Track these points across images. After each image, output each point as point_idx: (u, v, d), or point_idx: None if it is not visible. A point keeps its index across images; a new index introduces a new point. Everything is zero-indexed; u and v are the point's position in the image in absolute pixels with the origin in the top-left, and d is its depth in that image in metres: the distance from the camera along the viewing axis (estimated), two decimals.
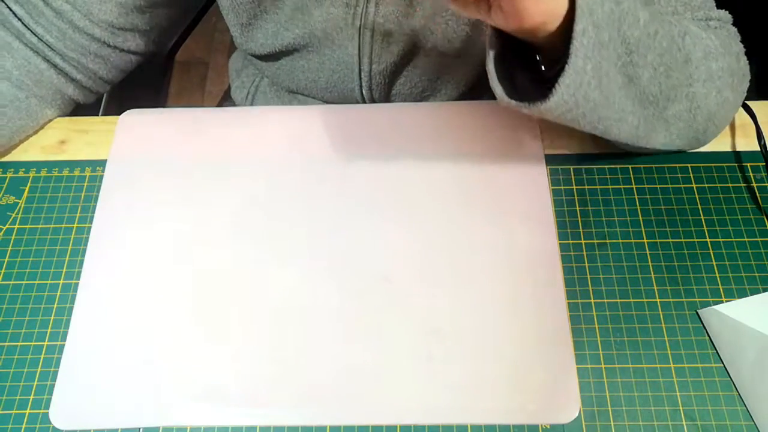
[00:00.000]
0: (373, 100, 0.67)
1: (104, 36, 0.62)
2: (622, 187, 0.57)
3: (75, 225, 0.58)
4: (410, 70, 0.65)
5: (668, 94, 0.49)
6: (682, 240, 0.55)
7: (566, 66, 0.43)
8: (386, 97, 0.67)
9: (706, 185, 0.57)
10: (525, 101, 0.47)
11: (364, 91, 0.66)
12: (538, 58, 0.49)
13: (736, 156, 0.59)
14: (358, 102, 0.67)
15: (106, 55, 0.63)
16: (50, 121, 0.64)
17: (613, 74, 0.46)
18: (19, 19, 0.59)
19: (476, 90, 0.68)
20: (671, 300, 0.52)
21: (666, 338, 0.51)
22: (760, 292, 0.52)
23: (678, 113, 0.51)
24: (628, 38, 0.45)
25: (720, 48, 0.51)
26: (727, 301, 0.52)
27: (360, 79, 0.64)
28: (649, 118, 0.50)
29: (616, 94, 0.47)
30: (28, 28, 0.59)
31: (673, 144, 0.55)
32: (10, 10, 0.59)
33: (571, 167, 0.58)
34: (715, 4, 0.56)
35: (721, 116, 0.54)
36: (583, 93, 0.45)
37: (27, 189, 0.60)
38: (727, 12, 0.55)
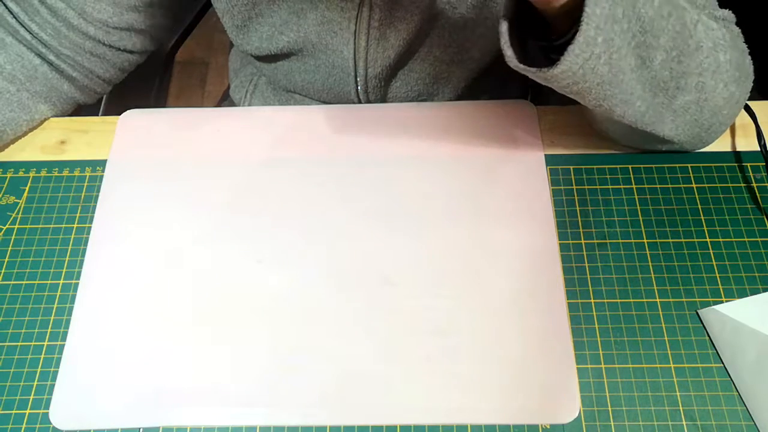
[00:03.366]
0: (369, 102, 0.67)
1: (99, 35, 0.62)
2: (622, 187, 0.57)
3: (75, 225, 0.58)
4: (406, 74, 0.65)
5: (678, 82, 0.49)
6: (682, 240, 0.55)
7: (577, 34, 0.42)
8: (383, 100, 0.67)
9: (706, 185, 0.57)
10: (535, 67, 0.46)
11: (360, 94, 0.66)
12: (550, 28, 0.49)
13: (736, 156, 0.59)
14: (354, 103, 0.67)
15: (102, 53, 0.63)
16: (47, 118, 0.64)
17: (625, 52, 0.45)
18: (14, 17, 0.59)
19: (473, 94, 0.68)
20: (671, 300, 0.52)
21: (666, 338, 0.51)
22: (760, 292, 0.52)
23: (686, 104, 0.51)
24: (642, 16, 0.44)
25: (729, 41, 0.51)
26: (727, 301, 0.52)
27: (356, 82, 0.64)
28: (658, 107, 0.50)
29: (627, 74, 0.46)
30: (23, 25, 0.59)
31: (677, 138, 0.54)
32: (6, 7, 0.59)
33: (571, 167, 0.58)
34: (717, 4, 0.55)
35: (725, 113, 0.53)
36: (592, 66, 0.44)
37: (27, 189, 0.60)
38: (731, 12, 0.55)
